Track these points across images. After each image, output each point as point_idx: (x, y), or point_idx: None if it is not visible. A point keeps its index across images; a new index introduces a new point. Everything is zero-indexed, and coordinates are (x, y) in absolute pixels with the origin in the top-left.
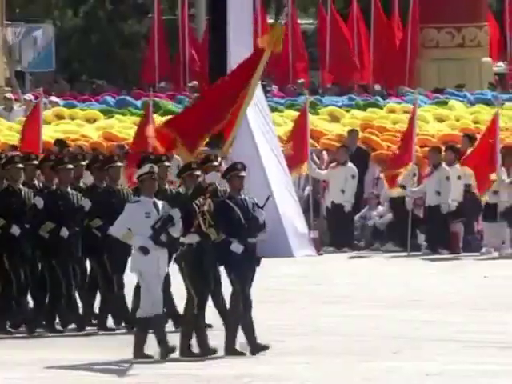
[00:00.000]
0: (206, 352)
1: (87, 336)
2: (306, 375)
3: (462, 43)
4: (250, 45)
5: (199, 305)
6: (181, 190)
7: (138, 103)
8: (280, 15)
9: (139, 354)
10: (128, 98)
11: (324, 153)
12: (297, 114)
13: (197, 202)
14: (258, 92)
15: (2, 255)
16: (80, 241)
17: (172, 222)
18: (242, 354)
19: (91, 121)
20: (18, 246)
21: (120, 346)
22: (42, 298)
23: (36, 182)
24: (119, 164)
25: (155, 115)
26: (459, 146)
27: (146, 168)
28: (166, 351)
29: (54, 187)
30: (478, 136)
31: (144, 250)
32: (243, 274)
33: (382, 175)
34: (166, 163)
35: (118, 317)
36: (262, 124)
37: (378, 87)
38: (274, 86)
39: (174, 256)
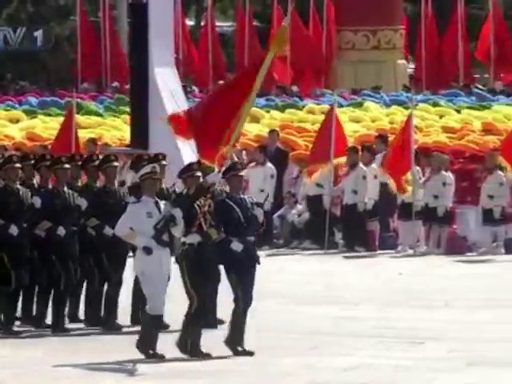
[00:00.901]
0: (197, 354)
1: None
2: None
3: (377, 45)
4: (171, 46)
5: (198, 304)
6: (176, 189)
7: (61, 104)
8: (201, 17)
9: (147, 353)
10: (51, 98)
11: (244, 152)
12: None
13: (198, 202)
14: (179, 92)
15: (1, 255)
16: (76, 240)
17: (174, 221)
18: (249, 353)
19: (14, 121)
20: (16, 246)
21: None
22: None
23: (34, 181)
24: (116, 164)
25: (77, 115)
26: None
27: (147, 168)
28: (147, 354)
29: (51, 186)
30: (393, 136)
31: (147, 250)
32: (243, 273)
33: (302, 173)
34: (163, 162)
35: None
36: None
37: (295, 88)
38: (194, 87)
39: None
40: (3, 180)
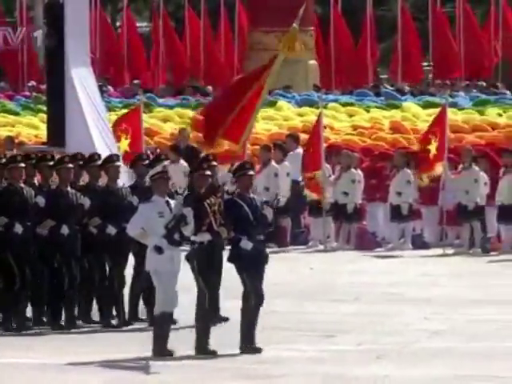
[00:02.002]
0: (204, 351)
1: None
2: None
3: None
4: (87, 46)
5: (211, 301)
6: (178, 189)
7: None
8: (117, 16)
9: (162, 351)
10: None
11: (158, 151)
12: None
13: (208, 201)
14: (95, 91)
15: (6, 253)
16: (79, 239)
17: (185, 220)
18: (257, 350)
19: None
20: (20, 245)
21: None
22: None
23: (35, 180)
24: (118, 163)
25: None
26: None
27: (158, 168)
28: (160, 352)
29: (54, 186)
30: (304, 135)
31: (158, 250)
32: (253, 271)
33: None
34: (165, 163)
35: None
36: (97, 119)
37: (209, 89)
38: (109, 87)
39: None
40: (5, 179)
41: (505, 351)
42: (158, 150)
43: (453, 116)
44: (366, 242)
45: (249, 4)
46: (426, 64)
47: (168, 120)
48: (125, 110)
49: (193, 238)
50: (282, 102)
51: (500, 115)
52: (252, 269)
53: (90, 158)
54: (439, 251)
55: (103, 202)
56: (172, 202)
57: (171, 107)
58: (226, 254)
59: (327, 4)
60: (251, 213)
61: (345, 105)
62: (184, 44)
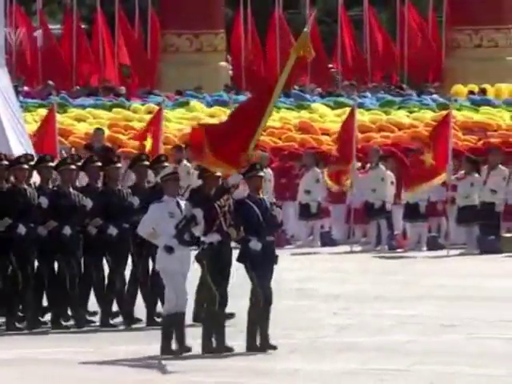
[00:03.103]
0: (223, 349)
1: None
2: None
3: (200, 48)
4: (2, 47)
5: (221, 302)
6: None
7: None
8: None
9: (166, 350)
10: None
11: (73, 150)
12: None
13: (218, 202)
14: (11, 92)
15: (9, 254)
16: (81, 240)
17: (195, 221)
18: (261, 350)
19: None
20: (23, 245)
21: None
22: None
23: (31, 181)
24: (119, 165)
25: None
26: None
27: (169, 169)
28: (182, 350)
29: (56, 187)
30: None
31: (168, 249)
32: (262, 272)
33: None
34: (165, 164)
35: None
36: (12, 119)
37: (122, 89)
38: (25, 87)
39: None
40: (5, 181)
41: (407, 345)
42: (73, 150)
43: (360, 116)
44: (276, 239)
45: (160, 7)
46: (331, 66)
47: (82, 120)
48: (40, 110)
49: (202, 238)
50: (193, 103)
51: (407, 116)
52: (261, 269)
53: (88, 160)
54: (347, 248)
55: (104, 203)
56: (182, 202)
57: (85, 107)
58: (235, 255)
59: (237, 6)
60: (261, 214)
61: None
62: (95, 46)
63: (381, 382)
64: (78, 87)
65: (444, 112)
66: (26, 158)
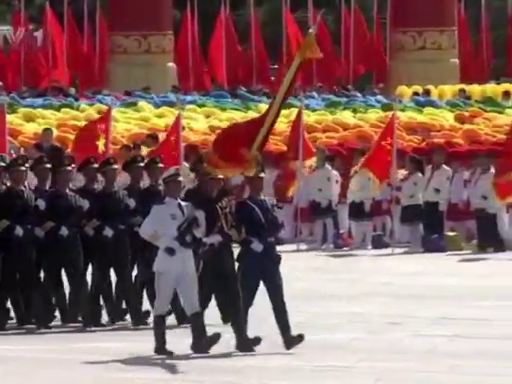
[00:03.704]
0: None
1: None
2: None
3: (148, 49)
4: None
5: (204, 304)
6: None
7: None
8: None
9: (161, 350)
10: None
11: (21, 150)
12: None
13: (220, 203)
14: None
15: (7, 256)
16: (79, 240)
17: (197, 223)
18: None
19: None
20: (21, 247)
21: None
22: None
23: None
24: (115, 166)
25: None
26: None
27: (171, 171)
28: (207, 344)
29: (53, 189)
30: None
31: (170, 251)
32: (267, 274)
33: None
34: (160, 164)
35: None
36: None
37: (72, 90)
38: None
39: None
40: (2, 183)
41: (353, 342)
42: (22, 150)
43: (306, 117)
44: None
45: (109, 8)
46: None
47: (31, 120)
48: None
49: (204, 239)
50: (141, 103)
51: (353, 116)
52: (265, 271)
53: (86, 161)
54: (293, 247)
55: (100, 205)
56: (184, 204)
57: (35, 107)
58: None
59: (184, 8)
60: (262, 215)
61: (202, 106)
62: (44, 47)
63: (328, 379)
64: (26, 87)
65: (389, 113)
66: (23, 159)
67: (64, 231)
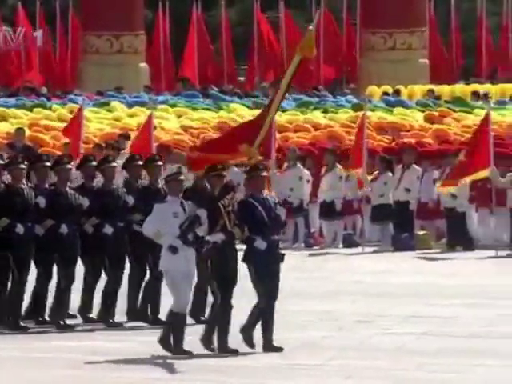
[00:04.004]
0: (225, 350)
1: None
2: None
3: (120, 49)
4: None
5: (223, 301)
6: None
7: None
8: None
9: (178, 349)
10: None
11: None
12: None
13: (222, 201)
14: None
15: (7, 254)
16: (78, 238)
17: (199, 221)
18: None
19: None
20: (22, 245)
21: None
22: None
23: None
24: (114, 164)
25: None
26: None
27: (173, 169)
28: (179, 352)
29: (53, 186)
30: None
31: (173, 249)
32: (269, 271)
33: None
34: (159, 163)
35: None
36: None
37: (44, 89)
38: None
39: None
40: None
41: (324, 340)
42: None
43: (277, 117)
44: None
45: (81, 8)
46: (243, 67)
47: (4, 119)
48: None
49: (207, 237)
50: (114, 103)
51: (324, 117)
52: (267, 269)
53: (84, 159)
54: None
55: (100, 202)
56: (186, 202)
57: (9, 107)
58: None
59: (156, 8)
60: (265, 213)
61: (173, 106)
62: (17, 46)
63: (299, 377)
64: None
65: (360, 113)
66: (22, 158)
67: (64, 229)
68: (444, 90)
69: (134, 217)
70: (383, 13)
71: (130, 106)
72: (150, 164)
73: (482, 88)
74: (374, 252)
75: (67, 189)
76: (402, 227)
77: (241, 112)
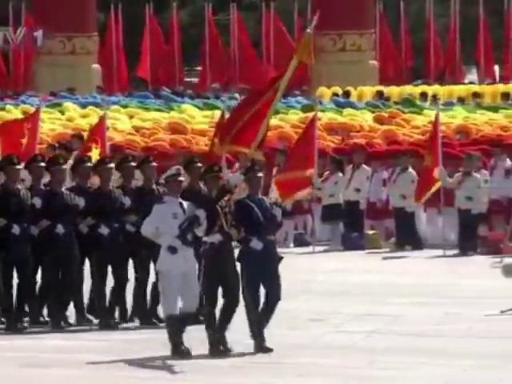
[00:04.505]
0: (215, 352)
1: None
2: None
3: (72, 51)
4: None
5: (210, 303)
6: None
7: None
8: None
9: (177, 351)
10: None
11: None
12: None
13: (219, 202)
14: None
15: (3, 255)
16: (75, 239)
17: (198, 222)
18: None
19: None
20: (18, 245)
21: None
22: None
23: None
24: (111, 165)
25: None
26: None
27: (172, 170)
28: (178, 354)
29: (49, 187)
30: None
31: (172, 250)
32: (266, 272)
33: None
34: (153, 164)
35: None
36: None
37: None
38: None
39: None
40: None
41: (277, 338)
42: None
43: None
44: None
45: (34, 9)
46: (187, 68)
47: None
48: None
49: (204, 238)
50: (67, 104)
51: (274, 117)
52: (264, 269)
53: (80, 160)
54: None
55: (96, 203)
56: (185, 203)
57: None
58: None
59: (108, 10)
60: (261, 213)
61: (125, 106)
62: None
63: (251, 375)
64: None
65: (310, 114)
66: (18, 158)
67: (60, 229)
68: (393, 91)
69: (129, 218)
70: (333, 15)
71: (83, 106)
72: (143, 164)
73: (430, 90)
74: (325, 251)
75: (63, 189)
76: (352, 227)
77: (191, 112)
